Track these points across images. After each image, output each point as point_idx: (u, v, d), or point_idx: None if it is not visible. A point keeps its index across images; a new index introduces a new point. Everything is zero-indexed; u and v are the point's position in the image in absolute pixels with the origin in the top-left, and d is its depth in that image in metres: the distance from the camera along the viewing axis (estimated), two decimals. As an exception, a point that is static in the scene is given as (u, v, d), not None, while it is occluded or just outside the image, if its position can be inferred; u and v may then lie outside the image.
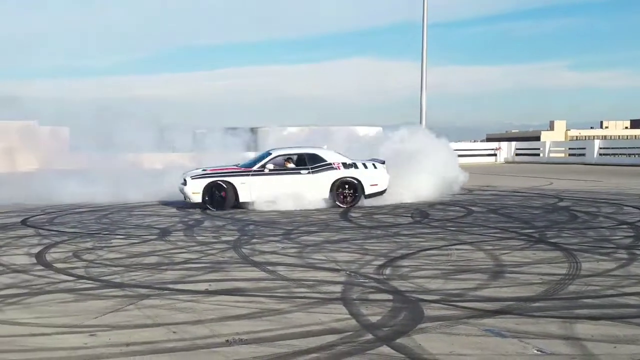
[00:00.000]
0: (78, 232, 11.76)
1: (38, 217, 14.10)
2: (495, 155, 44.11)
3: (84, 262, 8.68)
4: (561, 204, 15.59)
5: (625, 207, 14.40)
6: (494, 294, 6.68)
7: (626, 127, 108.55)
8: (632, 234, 10.65)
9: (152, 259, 8.90)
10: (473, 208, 14.81)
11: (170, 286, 7.20)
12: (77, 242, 10.50)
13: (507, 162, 42.76)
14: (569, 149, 44.78)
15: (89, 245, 10.17)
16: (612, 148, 41.92)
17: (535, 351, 4.88)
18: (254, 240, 10.41)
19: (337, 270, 7.96)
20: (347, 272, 7.80)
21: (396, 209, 14.79)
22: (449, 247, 9.59)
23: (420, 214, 13.94)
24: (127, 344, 5.12)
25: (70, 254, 9.33)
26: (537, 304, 6.27)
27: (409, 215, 13.78)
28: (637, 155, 38.58)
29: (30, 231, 11.81)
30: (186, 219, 13.42)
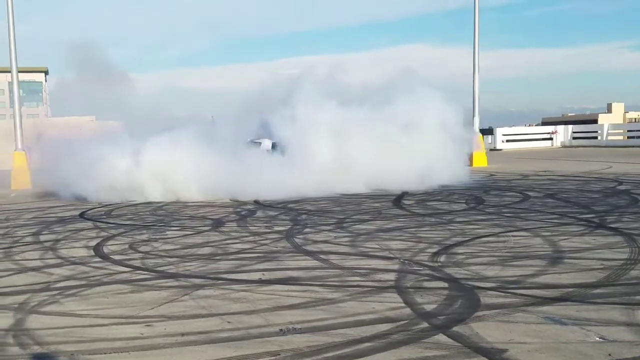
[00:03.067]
0: (134, 224, 11.94)
1: (95, 209, 14.36)
2: (551, 139, 43.06)
3: (140, 254, 8.79)
4: (621, 187, 15.19)
5: (688, 190, 13.93)
6: (553, 281, 6.51)
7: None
8: (696, 217, 10.28)
9: (206, 250, 8.96)
10: (530, 193, 14.55)
11: (224, 276, 7.22)
12: (133, 234, 10.65)
13: (563, 146, 41.80)
14: (628, 131, 43.46)
15: (144, 237, 10.31)
16: (674, 129, 40.62)
17: (597, 338, 4.73)
18: (307, 230, 10.39)
19: (391, 259, 7.88)
20: (401, 260, 7.71)
21: (450, 195, 14.63)
22: (505, 233, 9.43)
23: (475, 200, 13.76)
24: (183, 334, 5.15)
25: (127, 245, 9.46)
26: (598, 291, 6.08)
27: (464, 201, 13.60)
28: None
29: (89, 224, 12.02)
30: (239, 209, 13.49)
